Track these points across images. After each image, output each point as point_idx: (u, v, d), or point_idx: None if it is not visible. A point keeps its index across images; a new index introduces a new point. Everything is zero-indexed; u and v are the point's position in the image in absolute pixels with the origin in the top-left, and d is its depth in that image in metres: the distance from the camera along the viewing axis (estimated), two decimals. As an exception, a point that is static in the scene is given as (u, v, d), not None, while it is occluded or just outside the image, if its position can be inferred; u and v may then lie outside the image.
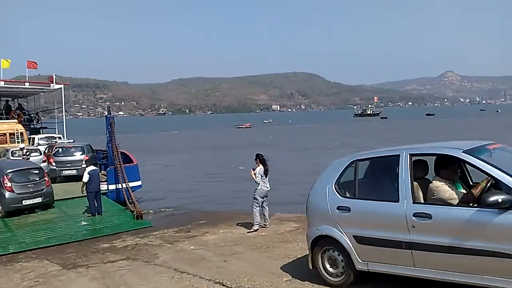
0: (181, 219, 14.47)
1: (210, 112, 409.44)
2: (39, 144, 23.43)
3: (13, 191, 13.47)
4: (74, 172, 18.45)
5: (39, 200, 14.02)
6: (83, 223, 13.51)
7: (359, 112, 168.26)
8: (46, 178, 14.61)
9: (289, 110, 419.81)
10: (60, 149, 19.53)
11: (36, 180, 14.14)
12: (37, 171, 14.60)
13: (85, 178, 13.67)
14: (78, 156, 18.97)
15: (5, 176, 13.56)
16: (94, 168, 14.31)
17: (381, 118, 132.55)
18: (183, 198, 19.53)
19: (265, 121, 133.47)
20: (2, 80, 25.70)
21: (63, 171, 18.67)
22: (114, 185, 16.06)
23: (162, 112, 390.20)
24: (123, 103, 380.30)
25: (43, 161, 19.65)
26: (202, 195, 20.15)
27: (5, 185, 13.45)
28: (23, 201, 13.62)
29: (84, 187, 13.70)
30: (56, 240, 11.78)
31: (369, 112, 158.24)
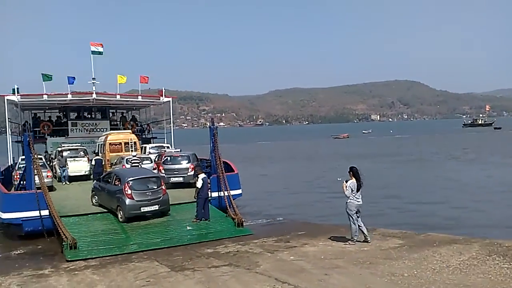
0: (280, 229, 14.62)
1: (307, 122, 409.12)
2: (150, 153, 25.18)
3: (133, 198, 14.08)
4: (181, 179, 19.55)
5: (156, 207, 14.47)
6: (189, 228, 14.21)
7: (469, 122, 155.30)
8: (163, 187, 14.97)
9: (390, 119, 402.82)
10: (169, 158, 20.82)
11: (154, 188, 14.63)
12: (155, 180, 15.09)
13: (199, 184, 14.54)
14: (184, 164, 20.10)
15: (126, 184, 14.23)
16: (205, 175, 15.08)
17: (495, 128, 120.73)
18: (280, 207, 19.72)
19: (364, 131, 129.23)
20: (118, 94, 28.21)
21: (171, 178, 19.86)
22: (217, 193, 16.70)
23: (260, 123, 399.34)
24: (223, 114, 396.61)
25: (154, 169, 21.14)
26: (299, 206, 20.19)
27: (126, 192, 14.11)
28: (142, 208, 14.19)
29: (197, 192, 14.49)
30: (165, 243, 12.60)
31: (480, 122, 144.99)
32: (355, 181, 11.16)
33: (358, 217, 11.25)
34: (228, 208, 15.60)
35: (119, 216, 14.41)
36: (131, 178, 14.49)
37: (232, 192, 16.60)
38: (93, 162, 22.13)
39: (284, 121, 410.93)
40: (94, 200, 16.36)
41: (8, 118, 25.48)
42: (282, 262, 9.97)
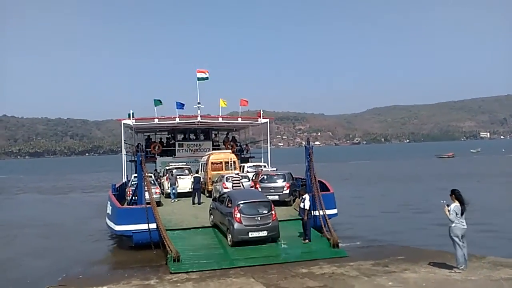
0: (377, 252, 14.08)
1: (407, 140, 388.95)
2: (247, 172, 26.09)
3: (241, 223, 13.77)
4: (277, 197, 19.84)
5: (264, 233, 13.95)
6: (283, 246, 14.33)
7: None
8: (273, 212, 14.35)
9: (502, 137, 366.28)
10: (265, 176, 21.33)
11: (264, 213, 14.15)
12: (266, 204, 14.55)
13: (307, 205, 14.60)
14: (280, 183, 20.45)
15: (236, 207, 13.98)
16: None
17: None
18: (378, 230, 18.95)
19: (471, 150, 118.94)
20: (220, 117, 29.82)
21: (268, 196, 20.23)
22: (312, 212, 16.65)
23: (357, 142, 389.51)
24: (319, 133, 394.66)
25: (251, 187, 21.82)
26: (398, 229, 19.19)
27: (235, 215, 13.85)
28: (250, 233, 13.77)
29: (306, 214, 14.49)
30: (261, 261, 12.85)
31: None
32: (459, 204, 10.46)
33: (463, 242, 10.46)
34: (324, 228, 15.46)
35: (228, 239, 14.22)
36: (242, 202, 14.24)
37: (328, 212, 16.44)
38: (192, 179, 23.41)
39: (382, 140, 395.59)
40: (210, 219, 16.62)
41: (124, 140, 28.13)
42: (380, 287, 9.60)
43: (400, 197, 30.37)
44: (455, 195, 10.59)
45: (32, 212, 29.25)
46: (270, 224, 14.05)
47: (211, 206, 16.90)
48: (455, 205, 10.48)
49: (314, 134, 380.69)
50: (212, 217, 16.52)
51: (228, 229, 14.16)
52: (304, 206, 14.62)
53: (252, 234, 13.80)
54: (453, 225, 10.45)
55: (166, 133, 34.39)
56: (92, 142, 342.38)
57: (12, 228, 22.77)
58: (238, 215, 13.84)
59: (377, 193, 33.42)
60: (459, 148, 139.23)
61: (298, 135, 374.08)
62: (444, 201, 10.88)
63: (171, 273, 12.07)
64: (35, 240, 19.37)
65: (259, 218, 14.00)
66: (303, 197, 14.88)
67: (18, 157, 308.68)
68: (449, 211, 10.49)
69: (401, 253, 13.41)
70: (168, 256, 13.33)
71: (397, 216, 22.40)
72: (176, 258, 12.86)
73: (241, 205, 14.09)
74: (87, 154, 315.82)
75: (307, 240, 14.60)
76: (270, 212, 14.28)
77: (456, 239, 10.43)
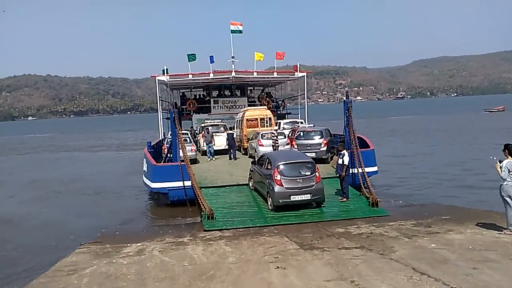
0: (419, 211, 13.32)
1: (455, 94, 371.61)
2: (284, 128, 25.50)
3: (282, 185, 12.81)
4: (313, 154, 19.21)
5: (307, 197, 12.90)
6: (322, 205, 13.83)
7: None
8: (317, 174, 13.24)
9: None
10: (302, 133, 20.67)
11: (307, 175, 13.06)
12: (309, 165, 13.41)
13: (346, 160, 13.91)
14: (317, 139, 19.76)
15: (276, 169, 13.04)
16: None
17: None
18: (420, 188, 18.03)
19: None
20: (255, 71, 28.95)
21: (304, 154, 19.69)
22: (350, 170, 15.99)
23: (401, 96, 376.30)
24: (361, 88, 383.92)
25: (287, 144, 21.29)
26: (442, 187, 18.13)
27: (275, 177, 12.91)
28: (292, 197, 12.78)
29: (344, 170, 13.89)
30: (295, 219, 12.47)
31: None
32: (511, 160, 9.49)
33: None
34: (362, 186, 14.82)
35: (268, 203, 13.47)
36: (281, 163, 13.26)
37: (367, 169, 15.73)
38: (226, 136, 23.22)
39: (428, 94, 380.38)
40: (250, 184, 15.82)
41: (159, 97, 28.03)
42: (422, 249, 8.99)
43: (446, 154, 28.86)
44: (509, 150, 9.60)
45: (73, 170, 30.18)
46: (314, 186, 12.94)
47: (250, 169, 16.12)
48: (508, 161, 9.53)
49: (356, 88, 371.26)
50: (252, 181, 15.77)
51: (269, 193, 13.33)
52: (343, 161, 13.93)
53: (294, 198, 12.82)
54: (505, 183, 9.55)
55: (201, 89, 34.07)
56: (132, 100, 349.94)
57: (52, 185, 23.53)
58: (278, 177, 12.87)
59: (421, 150, 31.62)
60: (511, 101, 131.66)
61: (339, 90, 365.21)
62: (495, 157, 9.92)
63: (205, 230, 11.95)
64: (75, 198, 19.90)
65: (301, 180, 12.93)
66: (342, 152, 14.18)
67: (64, 116, 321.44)
68: (501, 167, 9.56)
69: (446, 213, 12.60)
70: (202, 213, 13.24)
71: (442, 174, 21.08)
72: (210, 216, 12.74)
73: (281, 166, 13.12)
74: (128, 112, 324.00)
75: (344, 199, 14.07)
76: (314, 174, 13.14)
77: (508, 199, 9.56)
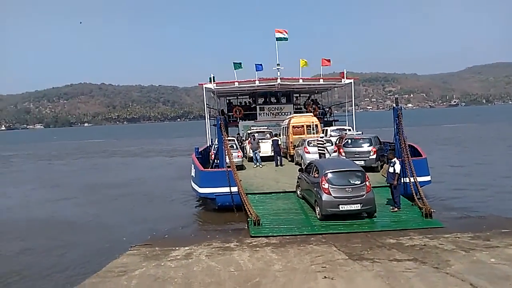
0: (477, 224, 12.61)
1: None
2: (331, 136, 25.07)
3: (330, 194, 12.46)
4: (362, 163, 18.71)
5: (357, 206, 12.45)
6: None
7: None
8: (367, 183, 12.79)
9: None
10: (349, 140, 20.21)
11: (356, 184, 12.65)
12: (359, 174, 12.98)
13: (398, 168, 13.53)
14: (366, 147, 19.25)
15: (323, 177, 12.73)
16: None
17: None
18: (477, 200, 16.97)
19: None
20: (301, 78, 28.80)
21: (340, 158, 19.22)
22: (401, 179, 15.42)
23: (454, 103, 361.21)
24: (411, 95, 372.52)
25: (334, 151, 20.90)
26: (501, 198, 17.04)
27: (323, 186, 12.57)
28: (340, 206, 12.40)
29: (396, 179, 13.50)
30: (344, 228, 12.14)
31: None
32: None
33: None
34: (415, 196, 14.25)
35: (316, 212, 13.14)
36: (330, 170, 12.90)
37: (419, 179, 15.10)
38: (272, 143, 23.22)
39: (484, 101, 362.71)
40: (298, 192, 15.55)
41: (207, 104, 28.49)
42: (480, 264, 8.45)
43: (505, 164, 27.19)
44: None
45: (126, 174, 31.21)
46: (364, 196, 12.49)
47: (298, 176, 15.87)
48: None
49: (406, 96, 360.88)
50: (299, 189, 15.44)
51: (316, 201, 13.03)
52: (394, 170, 13.48)
53: (343, 207, 12.40)
54: None
55: (247, 97, 34.29)
56: (182, 108, 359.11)
57: (107, 189, 24.37)
58: (326, 186, 12.51)
59: (478, 160, 29.87)
60: None
61: (388, 98, 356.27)
62: None
63: (251, 236, 11.92)
64: (128, 201, 20.48)
65: (350, 189, 12.51)
66: (393, 160, 13.73)
67: (117, 122, 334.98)
68: None
69: (506, 226, 11.84)
70: (248, 219, 13.21)
71: (501, 185, 19.78)
72: (256, 222, 12.70)
73: (329, 174, 12.77)
74: (178, 119, 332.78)
75: (396, 209, 13.57)
76: (364, 183, 12.71)
77: None
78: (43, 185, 27.43)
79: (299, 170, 16.36)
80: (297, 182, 15.79)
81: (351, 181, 12.75)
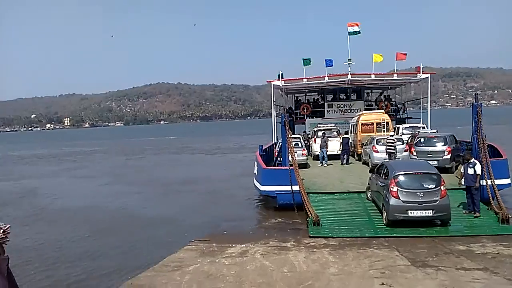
0: None
1: None
2: (403, 134, 23.84)
3: (399, 198, 11.51)
4: (435, 163, 17.51)
5: (429, 213, 11.40)
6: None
7: None
8: (442, 187, 11.69)
9: None
10: (422, 139, 19.06)
11: (429, 188, 11.64)
12: (434, 177, 11.91)
13: (479, 169, 12.51)
14: (440, 146, 18.04)
15: (393, 179, 11.80)
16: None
17: None
18: None
19: None
20: (373, 74, 27.61)
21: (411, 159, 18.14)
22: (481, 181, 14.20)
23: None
24: (496, 91, 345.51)
25: (405, 151, 19.82)
26: None
27: (391, 189, 11.67)
28: (409, 212, 11.43)
29: (478, 180, 12.47)
30: (409, 232, 11.41)
31: None
32: None
33: None
34: (491, 200, 13.06)
35: (383, 217, 12.28)
36: (400, 172, 11.95)
37: (497, 182, 13.84)
38: (341, 141, 22.55)
39: None
40: (368, 194, 14.67)
41: (274, 101, 28.40)
42: None
43: None
44: None
45: (194, 170, 32.12)
46: (437, 202, 11.38)
47: (369, 178, 15.03)
48: None
49: (490, 92, 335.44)
50: (370, 191, 14.58)
51: (384, 205, 12.17)
52: (475, 171, 12.39)
53: (413, 213, 11.38)
54: None
55: (316, 93, 33.69)
56: (252, 106, 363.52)
57: (174, 185, 25.18)
58: (395, 189, 11.57)
59: None
60: None
61: (470, 94, 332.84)
62: None
63: (309, 237, 11.61)
64: (193, 197, 21.01)
65: (421, 193, 11.46)
66: (472, 161, 12.65)
67: (191, 120, 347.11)
68: None
69: None
70: (307, 219, 12.90)
71: None
72: (315, 222, 12.35)
73: (399, 176, 11.81)
74: (248, 117, 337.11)
75: (477, 213, 12.45)
76: (438, 188, 11.56)
77: None
78: (116, 180, 29.01)
79: (370, 171, 15.55)
80: (368, 183, 14.95)
81: (424, 185, 11.76)
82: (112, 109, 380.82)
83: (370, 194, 14.50)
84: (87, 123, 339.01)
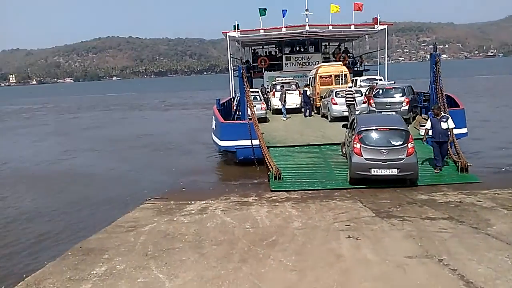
0: (518, 179, 11.48)
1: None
2: (361, 86, 23.75)
3: (361, 155, 10.85)
4: (394, 114, 17.59)
5: (393, 172, 10.68)
6: None
7: None
8: (409, 145, 10.87)
9: None
10: (380, 91, 18.93)
11: (394, 146, 10.87)
12: (401, 133, 11.15)
13: (451, 124, 11.98)
14: (398, 98, 17.99)
15: (356, 136, 11.15)
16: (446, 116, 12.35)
17: None
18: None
19: None
20: (331, 25, 26.99)
21: (382, 113, 18.13)
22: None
23: (492, 54, 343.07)
24: (447, 46, 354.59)
25: (363, 103, 19.68)
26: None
27: (354, 146, 11.07)
28: (372, 170, 10.76)
29: (451, 136, 12.08)
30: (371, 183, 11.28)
31: None
32: None
33: None
34: (449, 149, 13.13)
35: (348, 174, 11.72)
36: (364, 128, 11.26)
37: (456, 131, 13.88)
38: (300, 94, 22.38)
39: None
40: (343, 150, 13.62)
41: (231, 54, 27.31)
42: (525, 224, 7.52)
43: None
44: None
45: (147, 127, 30.97)
46: (403, 160, 10.68)
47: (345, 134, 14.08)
48: None
49: (441, 46, 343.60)
50: (345, 148, 13.40)
51: (349, 163, 11.61)
52: (448, 126, 11.87)
53: (376, 172, 10.72)
54: None
55: (273, 46, 32.78)
56: (209, 61, 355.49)
57: (124, 141, 24.08)
58: (358, 146, 10.90)
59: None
60: None
61: (422, 48, 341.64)
62: None
63: (271, 190, 11.31)
64: (147, 154, 20.10)
65: (386, 151, 10.74)
66: (444, 115, 12.21)
67: (145, 76, 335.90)
68: None
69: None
70: (268, 173, 12.53)
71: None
72: (277, 176, 12.02)
73: (363, 132, 11.13)
74: (205, 73, 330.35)
75: (438, 170, 12.15)
76: (405, 145, 10.84)
77: None
78: (67, 139, 27.40)
79: (343, 126, 14.83)
80: (344, 139, 13.90)
81: (391, 142, 11.04)
82: (60, 65, 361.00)
83: (345, 150, 13.56)
84: (34, 80, 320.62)
